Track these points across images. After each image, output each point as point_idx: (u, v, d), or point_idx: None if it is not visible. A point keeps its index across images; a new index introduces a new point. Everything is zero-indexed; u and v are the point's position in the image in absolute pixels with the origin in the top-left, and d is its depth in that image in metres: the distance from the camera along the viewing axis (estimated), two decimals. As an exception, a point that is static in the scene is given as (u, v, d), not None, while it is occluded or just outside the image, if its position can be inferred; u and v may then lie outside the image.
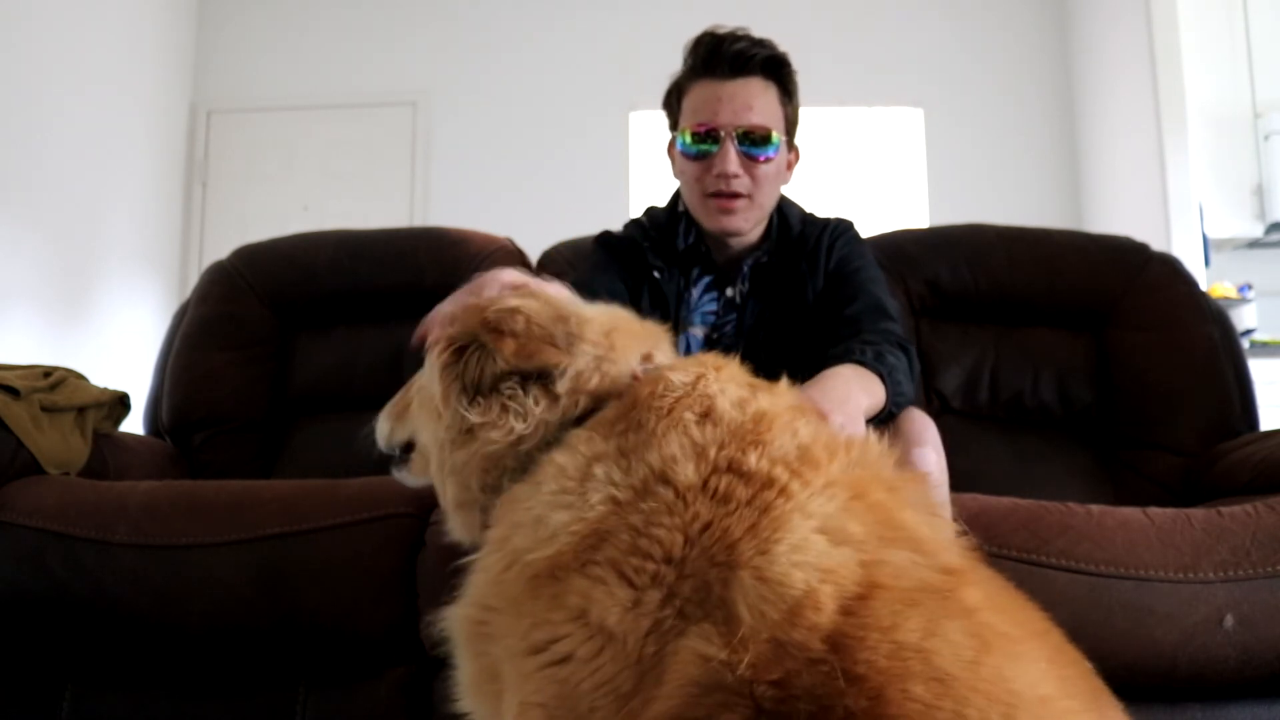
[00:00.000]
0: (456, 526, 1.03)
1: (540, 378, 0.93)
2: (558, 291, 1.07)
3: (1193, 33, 3.85)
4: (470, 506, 0.98)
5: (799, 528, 0.75)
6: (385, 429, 1.14)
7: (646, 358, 1.00)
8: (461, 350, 0.96)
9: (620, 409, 0.91)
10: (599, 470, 0.84)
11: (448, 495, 1.00)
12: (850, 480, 0.82)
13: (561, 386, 0.93)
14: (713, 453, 0.82)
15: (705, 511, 0.77)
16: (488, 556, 0.88)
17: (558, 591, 0.79)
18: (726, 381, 0.92)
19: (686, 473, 0.81)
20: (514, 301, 0.99)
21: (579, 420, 0.92)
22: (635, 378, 0.95)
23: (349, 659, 1.42)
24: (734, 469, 0.80)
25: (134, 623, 1.39)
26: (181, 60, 4.96)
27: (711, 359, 0.97)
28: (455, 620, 0.91)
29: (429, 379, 1.01)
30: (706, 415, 0.86)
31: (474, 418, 0.94)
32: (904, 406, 1.36)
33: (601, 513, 0.81)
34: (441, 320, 1.05)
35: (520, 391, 0.93)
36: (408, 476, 1.15)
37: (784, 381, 0.98)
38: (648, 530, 0.78)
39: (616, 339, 0.98)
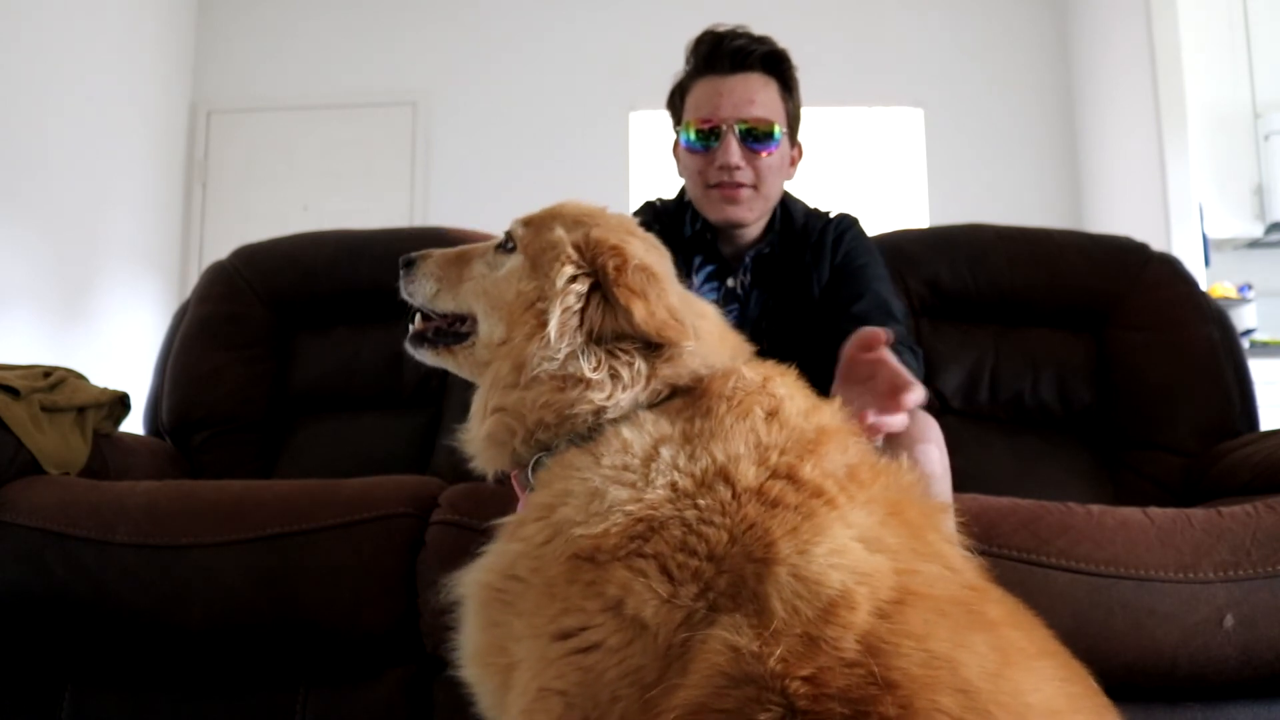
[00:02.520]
0: (479, 455, 0.99)
1: (653, 351, 0.91)
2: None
3: (1193, 33, 3.85)
4: (503, 446, 0.96)
5: (839, 535, 0.76)
6: (430, 288, 1.06)
7: None
8: (595, 288, 0.92)
9: (691, 396, 0.90)
10: (665, 452, 0.84)
11: (485, 428, 0.96)
12: (888, 499, 0.83)
13: (664, 371, 0.91)
14: (774, 457, 0.83)
15: (754, 513, 0.78)
16: (528, 525, 0.86)
17: (595, 578, 0.78)
18: (791, 387, 0.94)
19: (748, 475, 0.81)
20: (656, 265, 0.96)
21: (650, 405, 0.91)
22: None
23: (349, 659, 1.42)
24: (790, 476, 0.81)
25: (134, 623, 1.39)
26: (181, 60, 4.96)
27: (773, 365, 0.97)
28: (472, 586, 0.89)
29: (537, 280, 0.95)
30: (774, 415, 0.87)
31: (588, 370, 0.90)
32: (910, 407, 1.36)
33: (660, 498, 0.80)
34: (609, 235, 0.97)
35: (634, 360, 0.91)
36: (428, 355, 1.07)
37: (837, 400, 0.99)
38: (699, 527, 0.78)
39: (723, 348, 0.97)
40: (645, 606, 0.75)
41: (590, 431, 0.89)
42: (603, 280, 0.92)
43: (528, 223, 1.04)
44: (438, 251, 1.09)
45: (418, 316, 1.10)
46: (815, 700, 0.66)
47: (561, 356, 0.91)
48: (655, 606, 0.74)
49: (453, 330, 1.06)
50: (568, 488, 0.85)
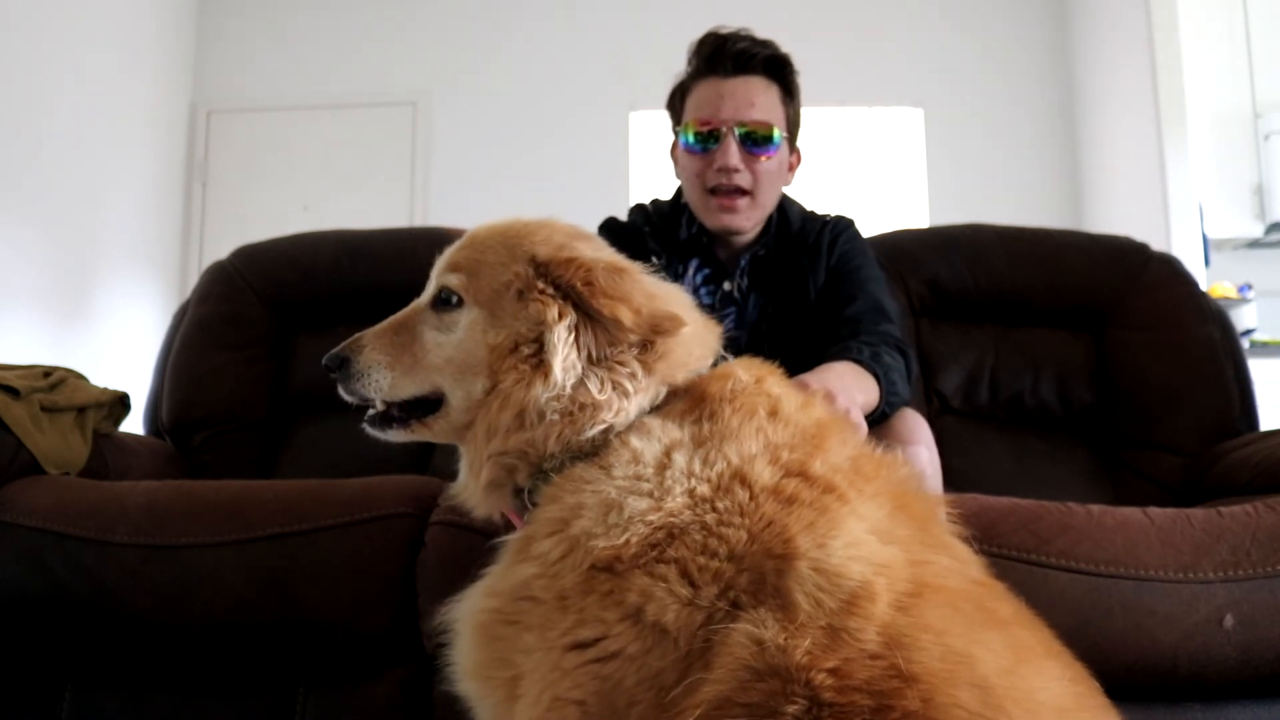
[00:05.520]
0: (480, 504, 0.97)
1: (646, 349, 0.91)
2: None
3: (1193, 33, 3.85)
4: (504, 487, 0.95)
5: (853, 528, 0.77)
6: (384, 380, 0.98)
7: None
8: (588, 315, 0.90)
9: (691, 399, 0.91)
10: (678, 459, 0.84)
11: (484, 477, 0.94)
12: (892, 492, 0.85)
13: (661, 368, 0.91)
14: (785, 455, 0.84)
15: (771, 511, 0.78)
16: (540, 540, 0.84)
17: (614, 588, 0.77)
18: (781, 383, 0.95)
19: (764, 476, 0.81)
20: (619, 260, 0.96)
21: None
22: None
23: (349, 659, 1.42)
24: (802, 473, 0.82)
25: (134, 623, 1.39)
26: (181, 60, 4.96)
27: (759, 363, 0.98)
28: (472, 613, 0.88)
29: (505, 326, 0.93)
30: (775, 413, 0.88)
31: (596, 394, 0.89)
32: (898, 407, 1.37)
33: (680, 505, 0.80)
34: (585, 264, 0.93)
35: (631, 366, 0.90)
36: (399, 434, 1.01)
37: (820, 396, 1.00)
38: (719, 529, 0.78)
39: (705, 334, 0.98)
40: (666, 611, 0.75)
41: (595, 446, 0.89)
42: (578, 299, 0.90)
43: (455, 267, 0.99)
44: (368, 334, 1.01)
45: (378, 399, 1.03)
46: (840, 692, 0.66)
47: (570, 390, 0.89)
48: (676, 610, 0.74)
49: (419, 403, 1.00)
50: (580, 501, 0.84)
